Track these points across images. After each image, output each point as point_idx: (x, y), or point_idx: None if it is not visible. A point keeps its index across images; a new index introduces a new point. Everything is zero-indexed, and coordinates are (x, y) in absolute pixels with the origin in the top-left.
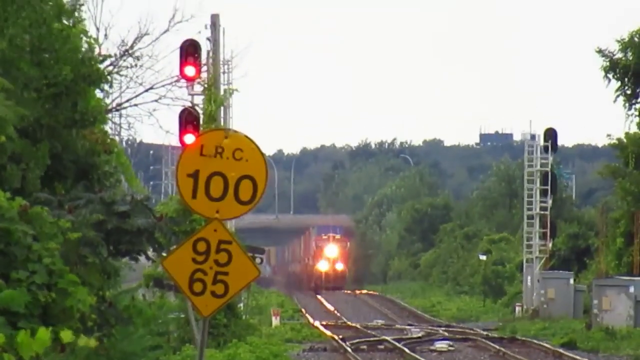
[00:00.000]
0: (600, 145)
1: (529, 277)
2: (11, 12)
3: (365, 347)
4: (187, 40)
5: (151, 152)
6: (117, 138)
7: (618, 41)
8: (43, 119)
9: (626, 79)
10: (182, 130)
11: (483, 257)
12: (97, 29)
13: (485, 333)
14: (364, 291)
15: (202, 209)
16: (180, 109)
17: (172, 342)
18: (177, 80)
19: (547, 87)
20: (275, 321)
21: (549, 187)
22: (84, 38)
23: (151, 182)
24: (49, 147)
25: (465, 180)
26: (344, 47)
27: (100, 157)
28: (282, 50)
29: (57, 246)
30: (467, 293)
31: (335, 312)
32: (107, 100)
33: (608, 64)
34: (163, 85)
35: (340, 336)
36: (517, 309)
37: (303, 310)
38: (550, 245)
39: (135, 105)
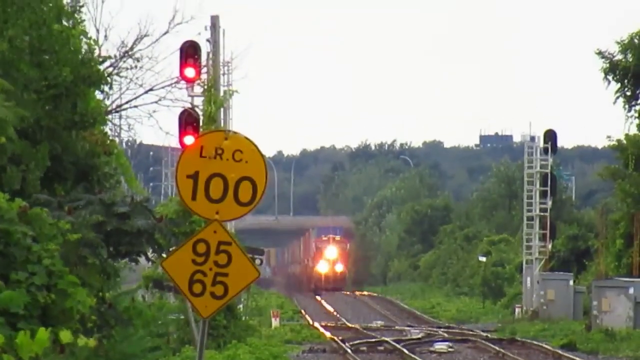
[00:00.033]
0: (600, 146)
1: (528, 279)
2: (11, 13)
3: (364, 348)
4: (187, 42)
5: (151, 153)
6: (117, 139)
7: (618, 43)
8: (43, 121)
9: (626, 81)
10: (182, 132)
11: (483, 259)
12: (97, 31)
13: (484, 334)
14: (365, 292)
15: (202, 210)
16: (180, 110)
17: (171, 344)
18: (177, 82)
19: (547, 89)
20: (275, 322)
21: (548, 189)
22: (84, 39)
23: (151, 184)
24: (48, 148)
25: (465, 181)
26: (343, 48)
27: (100, 159)
28: (281, 51)
29: (56, 247)
30: (467, 294)
31: (335, 313)
32: (107, 102)
33: (608, 65)
34: (163, 87)
35: (340, 337)
36: (517, 310)
37: (303, 311)
38: (549, 246)
39: (135, 106)
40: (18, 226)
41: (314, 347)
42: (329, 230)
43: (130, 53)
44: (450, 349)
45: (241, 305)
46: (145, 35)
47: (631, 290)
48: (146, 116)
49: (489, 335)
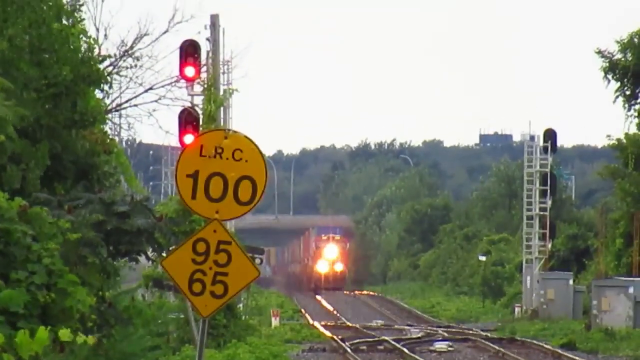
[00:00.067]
0: (599, 146)
1: (528, 278)
2: (11, 12)
3: (364, 347)
4: (186, 41)
5: (151, 152)
6: (116, 138)
7: (617, 42)
8: (43, 119)
9: (625, 80)
10: (182, 131)
11: (482, 258)
12: (97, 30)
13: (484, 334)
14: (364, 292)
15: (202, 209)
16: (179, 109)
17: (171, 343)
18: (176, 81)
19: (546, 88)
20: (275, 322)
21: (548, 188)
22: (84, 38)
23: (151, 183)
24: (48, 147)
25: (464, 181)
26: (343, 48)
27: (100, 158)
28: (281, 50)
29: (56, 246)
30: (467, 294)
31: (335, 312)
32: (107, 101)
33: (607, 64)
34: (163, 86)
35: (340, 336)
36: (517, 309)
37: (303, 310)
38: (549, 246)
39: (135, 105)
40: (18, 225)
41: (314, 347)
42: (329, 230)
43: (130, 52)
44: (450, 349)
45: (241, 305)
46: (145, 34)
47: (631, 290)
48: (146, 115)
49: (488, 334)
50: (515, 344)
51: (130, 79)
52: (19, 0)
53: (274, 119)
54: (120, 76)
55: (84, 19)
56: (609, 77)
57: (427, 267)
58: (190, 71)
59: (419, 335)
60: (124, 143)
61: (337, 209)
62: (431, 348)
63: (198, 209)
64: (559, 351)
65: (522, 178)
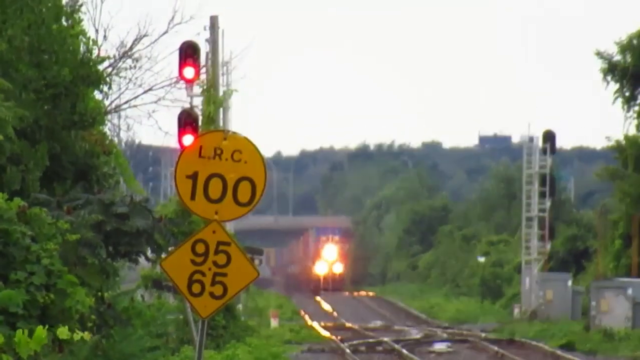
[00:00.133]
0: (599, 147)
1: (527, 279)
2: (10, 13)
3: (363, 348)
4: (186, 42)
5: (150, 153)
6: (116, 139)
7: (617, 43)
8: (42, 120)
9: (625, 81)
10: (181, 132)
11: (481, 259)
12: (96, 31)
13: (483, 335)
14: (363, 293)
15: (201, 210)
16: (179, 110)
17: (170, 343)
18: (176, 82)
19: (546, 89)
20: (274, 322)
21: (547, 189)
22: (83, 39)
23: (150, 184)
24: (47, 148)
25: (464, 182)
26: (343, 49)
27: (99, 159)
28: (281, 51)
29: (55, 247)
30: (466, 294)
31: (334, 313)
32: (106, 102)
33: (607, 66)
34: (162, 87)
35: (339, 337)
36: (516, 310)
37: (302, 311)
38: (548, 247)
39: (135, 106)
40: (17, 226)
41: (313, 347)
42: (328, 231)
43: (129, 53)
44: (449, 349)
45: (240, 305)
46: (145, 36)
47: (630, 291)
48: (145, 116)
49: (487, 335)
50: (514, 345)
51: (130, 80)
52: (19, 2)
53: (273, 120)
54: (120, 77)
55: (82, 20)
56: (608, 78)
57: (426, 268)
58: (189, 72)
59: (418, 336)
60: (123, 144)
61: (337, 210)
62: (430, 349)
63: (197, 210)
64: (558, 352)
65: (522, 179)
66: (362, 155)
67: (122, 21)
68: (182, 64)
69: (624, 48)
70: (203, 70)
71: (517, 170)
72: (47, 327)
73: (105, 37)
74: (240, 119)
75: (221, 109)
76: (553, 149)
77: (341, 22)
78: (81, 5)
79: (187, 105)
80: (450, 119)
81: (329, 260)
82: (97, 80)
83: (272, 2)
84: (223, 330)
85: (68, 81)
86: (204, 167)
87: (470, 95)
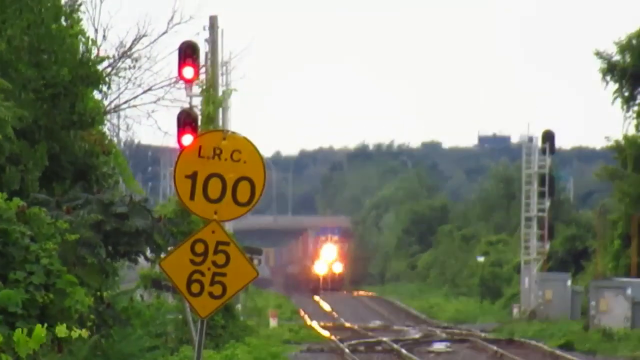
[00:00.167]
0: (598, 147)
1: (526, 279)
2: (10, 13)
3: (362, 348)
4: (185, 42)
5: (149, 153)
6: (115, 139)
7: (616, 43)
8: (41, 120)
9: (624, 81)
10: (180, 132)
11: (481, 259)
12: (96, 31)
13: (483, 334)
14: (363, 293)
15: (200, 210)
16: (178, 110)
17: (170, 343)
18: (175, 82)
19: (545, 89)
20: (273, 322)
21: (546, 189)
22: (82, 39)
23: (149, 184)
24: (47, 148)
25: (463, 182)
26: (342, 49)
27: (98, 159)
28: (280, 51)
29: (55, 247)
30: (465, 294)
31: (333, 313)
32: (106, 102)
33: (606, 66)
34: (161, 87)
35: (338, 337)
36: (515, 310)
37: (301, 311)
38: (547, 247)
39: (134, 106)
40: (16, 226)
41: (312, 347)
42: (328, 231)
43: (128, 53)
44: (448, 349)
45: (239, 305)
46: (144, 35)
47: (629, 291)
48: (144, 116)
49: (487, 335)
50: (513, 345)
51: (129, 80)
52: (18, 2)
53: (273, 120)
54: (119, 77)
55: (81, 20)
56: (608, 78)
57: (426, 268)
58: (189, 72)
59: (417, 336)
60: (122, 144)
61: (336, 209)
62: (429, 349)
63: (196, 210)
64: (557, 352)
65: (521, 179)
66: (362, 155)
67: (121, 21)
68: (182, 63)
69: (623, 48)
70: (202, 70)
71: (517, 170)
72: (45, 326)
73: (104, 37)
74: (240, 119)
75: (220, 109)
76: (552, 149)
77: (341, 23)
78: (80, 5)
79: (187, 105)
80: (449, 119)
81: (328, 260)
82: (97, 80)
83: (272, 3)
84: (222, 330)
85: (67, 81)
86: (203, 167)
87: (469, 95)
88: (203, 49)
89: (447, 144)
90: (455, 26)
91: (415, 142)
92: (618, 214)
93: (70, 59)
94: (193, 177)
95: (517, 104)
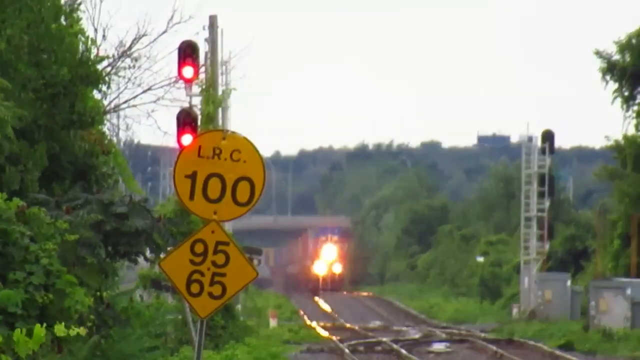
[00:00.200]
0: (597, 147)
1: (526, 279)
2: (9, 13)
3: (362, 348)
4: (185, 42)
5: (149, 153)
6: (115, 139)
7: (616, 43)
8: (41, 120)
9: (624, 81)
10: (180, 131)
11: (480, 259)
12: (95, 30)
13: (482, 334)
14: (362, 293)
15: (200, 210)
16: (178, 110)
17: (169, 344)
18: (175, 82)
19: (544, 89)
20: (273, 322)
21: (546, 189)
22: (82, 38)
23: (149, 183)
24: (46, 148)
25: (463, 182)
26: (342, 49)
27: (98, 158)
28: (280, 51)
29: (54, 247)
30: (465, 295)
31: (333, 313)
32: (105, 101)
33: (606, 65)
34: (161, 87)
35: (338, 337)
36: (515, 310)
37: (301, 311)
38: (547, 247)
39: (134, 106)
40: (16, 226)
41: (312, 347)
42: (327, 231)
43: (128, 52)
44: (448, 350)
45: (239, 306)
46: (144, 35)
47: (628, 291)
48: (144, 116)
49: (486, 335)
50: (513, 345)
51: (129, 79)
52: (18, 1)
53: (272, 119)
54: (119, 77)
55: (81, 19)
56: (607, 78)
57: (425, 268)
58: (188, 72)
59: (417, 336)
60: (122, 144)
61: (335, 209)
62: (429, 349)
63: (196, 210)
64: (557, 352)
65: (520, 179)
66: (361, 155)
67: (121, 20)
68: (181, 63)
69: (623, 47)
70: (202, 69)
71: (516, 170)
72: (45, 326)
73: (104, 36)
74: (240, 119)
75: (220, 109)
76: (552, 149)
77: (341, 23)
78: (80, 4)
79: (186, 105)
80: (449, 118)
81: (328, 260)
82: (96, 79)
83: (272, 3)
84: (222, 331)
85: (67, 80)
86: (202, 167)
87: (469, 95)
88: (203, 48)
89: (446, 143)
90: (455, 26)
91: (414, 142)
92: (618, 213)
93: (70, 58)
94: (193, 177)
95: (517, 104)
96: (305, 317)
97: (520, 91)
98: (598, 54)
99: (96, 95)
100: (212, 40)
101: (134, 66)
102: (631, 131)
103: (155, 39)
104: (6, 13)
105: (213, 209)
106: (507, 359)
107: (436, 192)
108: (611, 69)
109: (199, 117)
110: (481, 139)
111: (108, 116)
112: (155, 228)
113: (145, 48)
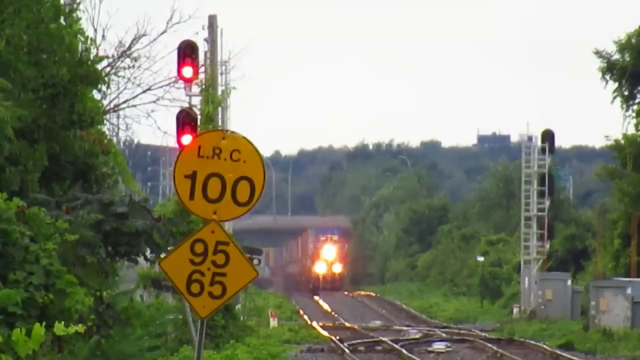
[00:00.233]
0: (597, 146)
1: (526, 279)
2: (9, 12)
3: (362, 348)
4: (184, 41)
5: (149, 153)
6: (114, 139)
7: (615, 42)
8: (40, 120)
9: (623, 80)
10: (180, 131)
11: (480, 259)
12: (95, 30)
13: (482, 334)
14: (362, 292)
15: (200, 210)
16: (177, 109)
17: (169, 344)
18: (174, 81)
19: (544, 89)
20: (273, 322)
21: (546, 189)
22: (81, 38)
23: (149, 183)
24: (46, 148)
25: (462, 181)
26: (341, 49)
27: (98, 158)
28: (280, 51)
29: (54, 247)
30: (465, 294)
31: (333, 313)
32: (105, 101)
33: (606, 65)
34: (161, 86)
35: (338, 337)
36: (515, 310)
37: (301, 311)
38: (547, 246)
39: (133, 106)
40: (16, 226)
41: (312, 347)
42: (327, 230)
43: (128, 52)
44: (448, 349)
45: (239, 305)
46: (143, 35)
47: (629, 290)
48: (144, 116)
49: (487, 335)
50: (513, 345)
51: (128, 79)
52: (17, 1)
53: (272, 119)
54: (118, 77)
55: (80, 19)
56: (607, 77)
57: (425, 267)
58: (188, 72)
59: (417, 335)
60: (122, 144)
61: (335, 209)
62: (429, 349)
63: (196, 210)
64: (557, 352)
65: (520, 179)
66: (361, 155)
67: (120, 20)
68: (181, 63)
69: (623, 47)
70: (202, 69)
71: (516, 170)
72: (44, 325)
73: (103, 36)
74: (239, 119)
75: (220, 109)
76: (552, 148)
77: (340, 22)
78: (79, 4)
79: (186, 105)
80: (449, 118)
81: (328, 260)
82: (96, 79)
83: (272, 2)
84: (222, 330)
85: (66, 80)
86: (202, 167)
87: (469, 95)
88: (202, 48)
89: (446, 143)
90: (455, 26)
91: (414, 142)
92: (618, 213)
93: (70, 58)
94: (192, 176)
95: (517, 104)
96: (306, 317)
97: (520, 90)
98: (598, 53)
99: (96, 95)
100: (212, 40)
101: (133, 66)
102: (631, 130)
103: (154, 39)
104: (6, 13)
105: (213, 209)
106: (507, 359)
107: (436, 192)
108: (611, 68)
109: (199, 117)
110: (481, 139)
111: (108, 116)
112: (155, 228)
113: (144, 48)
